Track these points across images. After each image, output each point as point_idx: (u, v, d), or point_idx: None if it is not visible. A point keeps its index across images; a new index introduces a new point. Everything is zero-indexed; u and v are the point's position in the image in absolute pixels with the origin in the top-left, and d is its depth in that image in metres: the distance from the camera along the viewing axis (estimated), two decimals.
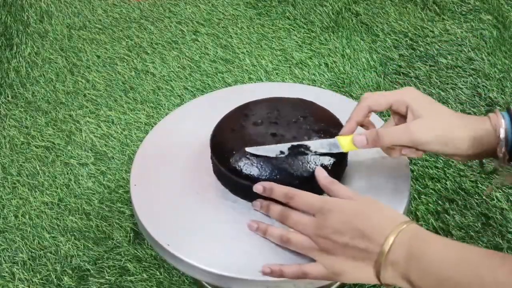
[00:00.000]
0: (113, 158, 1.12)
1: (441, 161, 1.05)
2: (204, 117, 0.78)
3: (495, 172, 0.66)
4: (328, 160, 0.67)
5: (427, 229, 0.66)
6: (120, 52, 1.41)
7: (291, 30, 1.46)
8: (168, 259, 0.67)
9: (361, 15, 1.49)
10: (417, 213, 0.98)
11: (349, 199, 0.61)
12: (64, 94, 1.29)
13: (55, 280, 0.91)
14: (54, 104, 1.26)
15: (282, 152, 0.67)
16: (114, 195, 1.04)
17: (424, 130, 0.63)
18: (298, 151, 0.67)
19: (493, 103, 1.19)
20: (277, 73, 1.31)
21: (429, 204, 0.99)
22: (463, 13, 1.48)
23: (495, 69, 1.28)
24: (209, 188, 0.72)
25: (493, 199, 0.99)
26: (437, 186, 1.02)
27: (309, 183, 0.66)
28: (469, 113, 1.17)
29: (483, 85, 1.24)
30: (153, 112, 1.22)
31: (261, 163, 0.67)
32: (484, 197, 0.98)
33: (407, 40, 1.39)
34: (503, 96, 1.21)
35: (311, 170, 0.66)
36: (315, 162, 0.67)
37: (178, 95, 1.26)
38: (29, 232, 0.99)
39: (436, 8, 1.49)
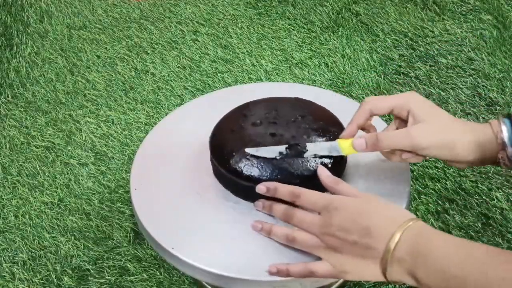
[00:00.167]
0: (113, 158, 1.12)
1: (441, 161, 1.05)
2: (204, 117, 0.78)
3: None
4: (328, 159, 0.67)
5: None
6: (120, 52, 1.41)
7: (291, 30, 1.46)
8: (168, 259, 0.67)
9: (361, 15, 1.49)
10: (417, 213, 0.98)
11: (355, 197, 0.61)
12: (64, 94, 1.29)
13: (55, 280, 0.91)
14: (54, 104, 1.26)
15: (281, 153, 0.67)
16: (114, 195, 1.04)
17: (424, 134, 0.63)
18: (297, 153, 0.67)
19: (493, 103, 1.19)
20: (277, 73, 1.31)
21: (429, 204, 0.99)
22: (463, 13, 1.48)
23: (495, 69, 1.28)
24: (209, 188, 0.72)
25: (493, 199, 0.99)
26: (437, 186, 1.02)
27: (310, 182, 0.66)
28: (469, 113, 1.17)
29: (483, 85, 1.24)
30: (153, 112, 1.22)
31: (262, 164, 0.67)
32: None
33: (407, 40, 1.39)
34: (503, 96, 1.21)
35: (311, 169, 0.66)
36: (315, 161, 0.67)
37: (178, 95, 1.26)
38: (29, 232, 0.99)
39: (436, 8, 1.49)
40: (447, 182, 1.02)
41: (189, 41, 1.43)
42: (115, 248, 0.95)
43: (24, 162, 1.12)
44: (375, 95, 1.23)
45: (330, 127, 0.71)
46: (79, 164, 1.11)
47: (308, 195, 0.63)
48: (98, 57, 1.39)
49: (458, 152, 0.63)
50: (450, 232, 0.94)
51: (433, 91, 1.24)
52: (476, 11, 1.47)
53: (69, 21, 1.53)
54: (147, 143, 0.81)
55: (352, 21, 1.47)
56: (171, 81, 1.30)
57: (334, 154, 0.67)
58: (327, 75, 1.30)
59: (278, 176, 0.66)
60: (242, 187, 0.68)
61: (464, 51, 1.34)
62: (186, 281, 0.90)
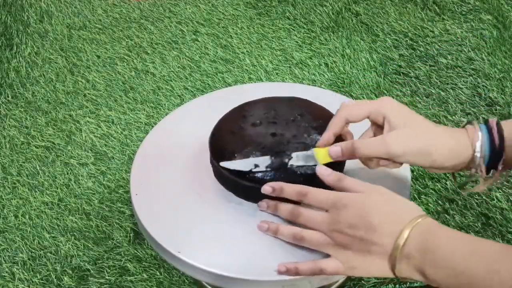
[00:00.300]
0: (113, 158, 1.12)
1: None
2: (204, 117, 0.78)
3: (465, 184, 0.66)
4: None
5: None
6: (120, 52, 1.41)
7: (291, 30, 1.46)
8: (168, 259, 0.67)
9: (361, 15, 1.49)
10: None
11: (362, 193, 0.60)
12: (64, 94, 1.29)
13: (55, 280, 0.91)
14: (54, 104, 1.26)
15: (256, 166, 0.67)
16: (114, 195, 1.04)
17: (399, 142, 0.62)
18: (277, 166, 0.67)
19: (493, 103, 1.19)
20: (277, 73, 1.31)
21: (429, 204, 0.99)
22: (463, 13, 1.48)
23: (495, 69, 1.28)
24: (210, 188, 0.72)
25: (493, 199, 0.99)
26: (437, 186, 1.02)
27: (313, 181, 0.66)
28: (469, 113, 1.17)
29: (483, 85, 1.24)
30: (153, 112, 1.22)
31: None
32: (484, 197, 0.97)
33: (407, 40, 1.39)
34: (503, 96, 1.21)
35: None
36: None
37: (178, 95, 1.26)
38: (29, 232, 0.99)
39: (436, 8, 1.49)
40: (447, 182, 1.02)
41: (189, 41, 1.43)
42: (115, 248, 0.95)
43: (24, 162, 1.12)
44: (375, 95, 1.23)
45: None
46: (79, 164, 1.11)
47: (315, 193, 0.63)
48: (98, 57, 1.39)
49: (434, 158, 0.62)
50: None
51: (433, 91, 1.24)
52: (476, 11, 1.47)
53: (69, 21, 1.53)
54: (147, 143, 0.81)
55: (352, 21, 1.47)
56: (171, 81, 1.30)
57: (311, 163, 0.67)
58: (327, 75, 1.30)
59: (282, 175, 0.66)
60: (244, 188, 0.68)
61: (464, 51, 1.34)
62: (186, 281, 0.90)
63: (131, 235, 0.97)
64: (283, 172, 0.67)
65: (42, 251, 0.96)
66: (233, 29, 1.46)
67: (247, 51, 1.38)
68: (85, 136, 1.17)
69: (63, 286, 0.91)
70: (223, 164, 0.68)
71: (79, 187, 1.06)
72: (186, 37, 1.44)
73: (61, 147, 1.15)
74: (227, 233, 0.67)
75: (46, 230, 0.99)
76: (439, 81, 1.27)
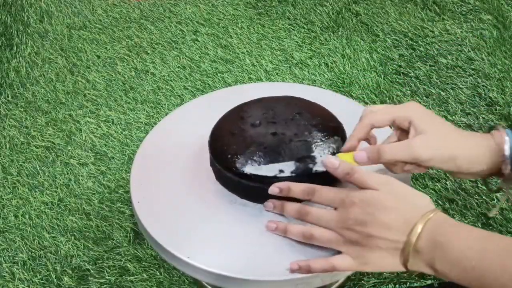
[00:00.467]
0: (113, 158, 1.12)
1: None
2: (204, 117, 0.78)
3: (499, 191, 0.66)
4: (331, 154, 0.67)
5: None
6: (120, 52, 1.41)
7: (291, 30, 1.46)
8: (168, 259, 0.67)
9: (361, 15, 1.49)
10: None
11: (372, 190, 0.60)
12: (64, 94, 1.29)
13: (55, 280, 0.91)
14: (54, 104, 1.26)
15: (281, 171, 0.67)
16: (114, 195, 1.04)
17: (426, 146, 0.62)
18: (302, 171, 0.66)
19: (493, 103, 1.19)
20: (277, 73, 1.31)
21: None
22: (463, 13, 1.48)
23: (495, 69, 1.28)
24: (209, 188, 0.72)
25: (493, 199, 0.99)
26: (437, 186, 1.02)
27: (320, 178, 0.66)
28: (469, 113, 1.17)
29: (483, 85, 1.24)
30: (153, 112, 1.22)
31: (267, 163, 0.67)
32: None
33: (407, 40, 1.39)
34: (503, 96, 1.21)
35: (320, 164, 0.66)
36: (320, 156, 0.67)
37: (178, 95, 1.26)
38: (29, 232, 0.99)
39: (436, 8, 1.49)
40: (447, 182, 1.02)
41: (189, 41, 1.43)
42: (115, 248, 0.95)
43: (24, 162, 1.12)
44: (375, 95, 1.23)
45: (328, 122, 0.71)
46: (79, 164, 1.11)
47: (323, 191, 0.62)
48: (98, 57, 1.39)
49: (460, 164, 0.62)
50: None
51: (433, 91, 1.24)
52: (476, 11, 1.47)
53: (69, 21, 1.53)
54: (147, 143, 0.81)
55: (352, 21, 1.47)
56: (171, 81, 1.30)
57: None
58: (327, 75, 1.30)
59: (292, 174, 0.66)
60: (249, 189, 0.68)
61: (464, 51, 1.34)
62: (186, 281, 0.90)
63: (131, 235, 0.97)
64: (306, 178, 0.66)
65: (42, 251, 0.96)
66: (233, 29, 1.46)
67: (247, 51, 1.38)
68: (85, 136, 1.17)
69: (63, 286, 0.91)
70: (249, 170, 0.67)
71: (79, 187, 1.06)
72: (186, 37, 1.44)
73: (61, 147, 1.15)
74: (227, 233, 0.67)
75: (46, 230, 0.99)
76: (439, 81, 1.27)
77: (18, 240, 0.98)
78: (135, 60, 1.38)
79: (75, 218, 1.00)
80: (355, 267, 0.60)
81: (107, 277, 0.91)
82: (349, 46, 1.38)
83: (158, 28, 1.48)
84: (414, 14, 1.48)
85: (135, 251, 0.94)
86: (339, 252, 0.61)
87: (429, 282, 0.87)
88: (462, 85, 1.25)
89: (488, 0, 1.50)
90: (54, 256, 0.95)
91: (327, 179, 0.65)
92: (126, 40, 1.45)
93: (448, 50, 1.35)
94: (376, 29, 1.43)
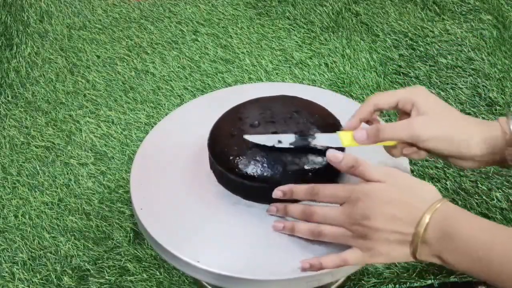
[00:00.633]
0: (113, 158, 1.12)
1: (441, 161, 1.05)
2: (204, 117, 0.78)
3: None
4: (322, 163, 0.67)
5: None
6: (120, 52, 1.41)
7: (291, 30, 1.46)
8: (168, 259, 0.67)
9: (361, 15, 1.49)
10: None
11: (377, 183, 0.59)
12: (64, 94, 1.29)
13: (55, 280, 0.91)
14: (54, 104, 1.26)
15: (280, 141, 0.66)
16: (114, 195, 1.04)
17: (426, 126, 0.61)
18: (301, 144, 0.66)
19: (493, 103, 1.19)
20: (277, 73, 1.31)
21: None
22: (463, 13, 1.48)
23: (495, 69, 1.28)
24: (209, 188, 0.72)
25: (493, 199, 0.99)
26: (437, 186, 1.02)
27: (323, 174, 0.65)
28: (468, 113, 1.17)
29: (483, 85, 1.24)
30: (153, 112, 1.22)
31: (271, 162, 0.66)
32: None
33: (407, 40, 1.39)
34: (503, 96, 1.21)
35: (322, 160, 0.66)
36: (319, 154, 0.67)
37: (178, 95, 1.26)
38: (29, 232, 0.99)
39: (436, 8, 1.49)
40: (447, 182, 1.02)
41: (189, 41, 1.43)
42: (115, 248, 0.95)
43: (24, 162, 1.12)
44: None
45: (326, 119, 0.71)
46: (79, 164, 1.11)
47: (326, 190, 0.62)
48: (98, 57, 1.39)
49: (461, 148, 0.61)
50: None
51: (433, 91, 1.24)
52: (476, 11, 1.47)
53: (69, 21, 1.53)
54: (147, 143, 0.81)
55: (352, 21, 1.47)
56: (171, 81, 1.30)
57: (334, 145, 0.65)
58: (327, 75, 1.30)
59: (290, 172, 0.66)
60: (253, 189, 0.68)
61: (464, 51, 1.34)
62: (186, 281, 0.90)
63: (131, 235, 0.97)
64: (304, 152, 0.65)
65: (42, 251, 0.96)
66: (233, 29, 1.46)
67: (247, 51, 1.38)
68: (85, 136, 1.17)
69: (63, 286, 0.91)
70: (247, 137, 0.67)
71: (79, 187, 1.06)
72: (186, 37, 1.44)
73: (61, 147, 1.15)
74: (228, 233, 0.67)
75: (46, 230, 0.99)
76: (439, 81, 1.27)
77: (18, 240, 0.98)
78: (135, 60, 1.38)
79: (75, 218, 1.00)
80: (366, 260, 0.60)
81: (107, 277, 0.91)
82: (349, 46, 1.38)
83: (158, 28, 1.48)
84: (414, 14, 1.48)
85: (135, 251, 0.94)
86: (347, 247, 0.61)
87: (429, 282, 0.87)
88: (462, 85, 1.25)
89: (488, 0, 1.50)
90: (54, 256, 0.95)
91: (330, 174, 0.65)
92: (126, 40, 1.45)
93: (448, 50, 1.35)
94: (376, 29, 1.43)
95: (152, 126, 1.08)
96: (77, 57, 1.40)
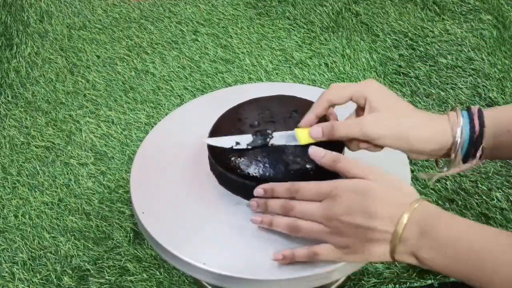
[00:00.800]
0: (113, 158, 1.12)
1: (441, 161, 1.05)
2: (204, 117, 0.78)
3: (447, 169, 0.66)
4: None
5: None
6: (120, 52, 1.41)
7: (291, 30, 1.46)
8: (168, 259, 0.67)
9: (361, 15, 1.49)
10: None
11: (357, 180, 0.60)
12: (64, 94, 1.29)
13: (55, 280, 0.91)
14: (54, 104, 1.26)
15: (237, 143, 0.67)
16: (114, 195, 1.04)
17: (376, 124, 0.62)
18: (259, 144, 0.67)
19: (493, 103, 1.19)
20: (277, 73, 1.31)
21: None
22: (463, 13, 1.48)
23: (495, 69, 1.28)
24: (209, 188, 0.72)
25: (493, 199, 0.99)
26: (437, 186, 1.02)
27: (325, 173, 0.65)
28: None
29: (483, 85, 1.24)
30: (153, 112, 1.22)
31: (273, 162, 0.66)
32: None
33: (407, 40, 1.39)
34: (503, 96, 1.21)
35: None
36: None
37: (178, 95, 1.26)
38: (29, 232, 0.99)
39: (436, 8, 1.49)
40: (447, 182, 1.02)
41: (189, 41, 1.43)
42: (115, 248, 0.95)
43: (24, 162, 1.12)
44: None
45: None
46: (79, 164, 1.11)
47: (306, 188, 0.62)
48: (98, 57, 1.39)
49: (412, 143, 0.62)
50: None
51: (433, 91, 1.24)
52: (476, 11, 1.47)
53: (69, 21, 1.53)
54: (147, 143, 0.81)
55: (352, 21, 1.47)
56: (171, 81, 1.30)
57: (292, 143, 0.67)
58: (327, 75, 1.30)
59: (292, 171, 0.66)
60: (250, 189, 0.68)
61: (464, 51, 1.34)
62: (186, 281, 0.90)
63: (131, 235, 0.97)
64: (305, 151, 0.66)
65: (42, 251, 0.96)
66: (233, 29, 1.46)
67: (247, 51, 1.38)
68: (85, 136, 1.17)
69: (63, 286, 0.91)
70: (207, 140, 0.69)
71: (79, 187, 1.06)
72: (186, 37, 1.44)
73: (61, 147, 1.15)
74: (228, 232, 0.67)
75: (46, 230, 0.99)
76: (439, 81, 1.27)
77: (18, 240, 0.98)
78: (135, 60, 1.38)
79: (75, 218, 1.00)
80: (338, 256, 0.61)
81: (107, 277, 0.91)
82: (349, 46, 1.38)
83: (158, 28, 1.48)
84: (414, 14, 1.48)
85: (135, 251, 0.94)
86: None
87: (429, 282, 0.87)
88: (462, 85, 1.25)
89: (488, 0, 1.50)
90: (54, 256, 0.95)
91: (332, 173, 0.65)
92: (126, 40, 1.45)
93: (448, 50, 1.35)
94: (376, 29, 1.43)
95: (152, 126, 1.08)
96: (77, 57, 1.40)
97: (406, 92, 1.24)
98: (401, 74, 1.29)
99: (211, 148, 0.71)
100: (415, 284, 0.88)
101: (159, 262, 0.92)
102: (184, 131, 0.82)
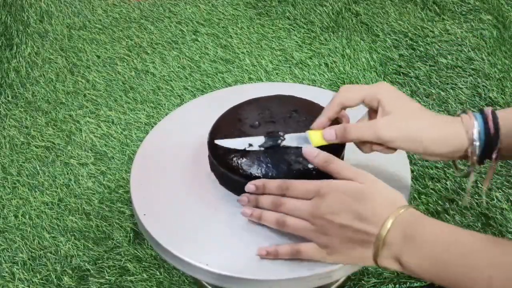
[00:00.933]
0: (113, 158, 1.12)
1: (441, 161, 1.06)
2: (204, 117, 0.78)
3: (468, 175, 0.66)
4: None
5: None
6: (120, 52, 1.41)
7: (291, 30, 1.46)
8: (168, 259, 0.67)
9: (361, 15, 1.49)
10: None
11: (346, 181, 0.60)
12: (64, 94, 1.29)
13: (55, 280, 0.91)
14: (54, 104, 1.26)
15: (250, 145, 0.67)
16: (114, 195, 1.04)
17: (390, 127, 0.62)
18: (271, 145, 0.67)
19: (493, 103, 1.19)
20: (277, 73, 1.31)
21: (429, 204, 0.99)
22: (463, 13, 1.48)
23: (495, 69, 1.28)
24: (209, 188, 0.72)
25: (493, 199, 0.99)
26: (437, 186, 1.02)
27: (327, 172, 0.65)
28: None
29: (483, 85, 1.24)
30: (153, 112, 1.22)
31: (275, 162, 0.67)
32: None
33: (407, 40, 1.39)
34: (503, 96, 1.21)
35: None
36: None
37: (178, 95, 1.26)
38: (29, 232, 0.99)
39: (436, 8, 1.49)
40: (447, 182, 1.02)
41: (189, 41, 1.43)
42: (115, 248, 0.95)
43: (24, 162, 1.12)
44: None
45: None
46: (79, 164, 1.11)
47: (296, 185, 0.63)
48: (98, 57, 1.39)
49: (426, 145, 0.62)
50: None
51: (433, 91, 1.24)
52: (476, 11, 1.48)
53: (69, 21, 1.53)
54: (147, 143, 0.81)
55: (352, 21, 1.47)
56: (171, 81, 1.30)
57: (304, 145, 0.67)
58: (327, 75, 1.30)
59: (294, 172, 0.66)
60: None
61: (464, 51, 1.34)
62: (186, 281, 0.90)
63: (131, 235, 0.97)
64: (278, 154, 0.66)
65: (42, 251, 0.96)
66: (233, 29, 1.46)
67: (247, 51, 1.38)
68: (85, 136, 1.17)
69: (63, 286, 0.91)
70: (218, 141, 0.68)
71: (79, 187, 1.06)
72: (186, 37, 1.44)
73: (61, 147, 1.15)
74: (228, 232, 0.67)
75: (46, 230, 0.99)
76: (439, 81, 1.27)
77: (18, 240, 0.98)
78: (135, 60, 1.38)
79: (75, 218, 1.00)
80: (321, 256, 0.61)
81: (107, 277, 0.91)
82: (349, 46, 1.38)
83: (158, 28, 1.48)
84: (414, 14, 1.48)
85: (135, 251, 0.94)
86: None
87: (429, 282, 0.87)
88: (462, 85, 1.25)
89: (488, 0, 1.50)
90: (54, 256, 0.95)
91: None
92: (126, 40, 1.45)
93: (448, 50, 1.35)
94: (376, 29, 1.43)
95: (152, 126, 1.08)
96: (77, 57, 1.40)
97: (406, 92, 1.24)
98: (401, 74, 1.29)
99: (212, 149, 0.71)
100: (415, 284, 0.88)
101: (159, 262, 0.92)
102: (184, 131, 0.82)
